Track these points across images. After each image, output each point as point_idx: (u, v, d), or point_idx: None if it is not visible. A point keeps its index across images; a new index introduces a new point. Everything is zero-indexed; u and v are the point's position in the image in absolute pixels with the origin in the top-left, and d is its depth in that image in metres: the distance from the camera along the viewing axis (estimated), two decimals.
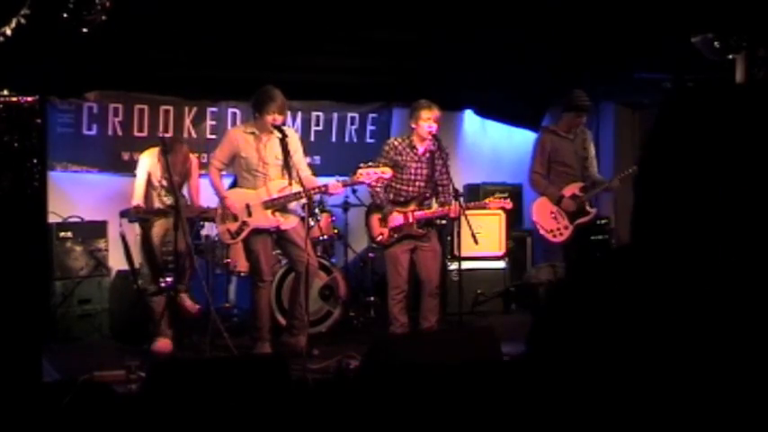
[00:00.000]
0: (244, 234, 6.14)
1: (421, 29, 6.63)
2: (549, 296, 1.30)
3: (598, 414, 1.15)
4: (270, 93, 6.04)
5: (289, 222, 6.22)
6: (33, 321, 4.76)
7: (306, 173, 6.24)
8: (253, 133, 6.14)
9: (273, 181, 6.15)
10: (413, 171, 6.49)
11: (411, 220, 6.46)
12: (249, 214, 6.12)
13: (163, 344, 6.20)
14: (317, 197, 7.21)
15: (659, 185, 1.19)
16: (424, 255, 6.54)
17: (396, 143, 6.55)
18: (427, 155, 6.48)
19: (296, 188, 6.05)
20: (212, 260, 6.98)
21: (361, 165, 6.24)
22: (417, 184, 6.51)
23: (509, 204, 6.72)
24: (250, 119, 6.37)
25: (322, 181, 6.57)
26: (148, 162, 6.51)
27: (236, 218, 6.12)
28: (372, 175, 6.15)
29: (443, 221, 6.65)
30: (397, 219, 6.47)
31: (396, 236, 6.48)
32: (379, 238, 6.53)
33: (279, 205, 6.13)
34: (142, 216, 5.80)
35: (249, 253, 6.24)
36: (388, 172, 6.19)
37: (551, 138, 7.23)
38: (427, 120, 6.36)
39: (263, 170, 6.13)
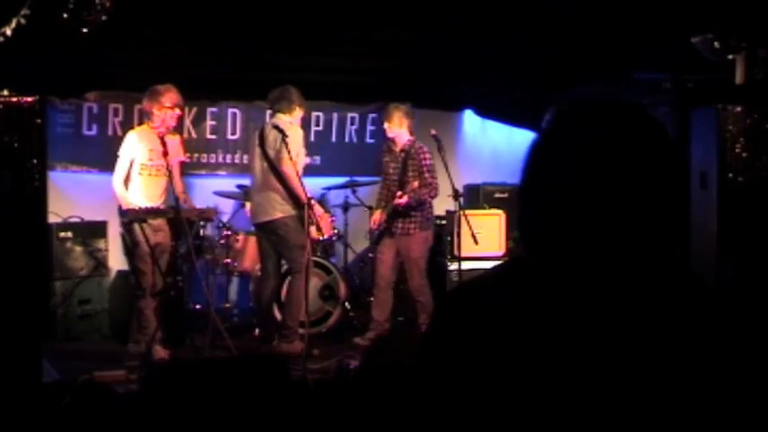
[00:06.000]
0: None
1: (420, 29, 6.63)
2: (437, 307, 1.32)
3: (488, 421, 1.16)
4: (295, 89, 6.18)
5: None
6: (33, 321, 4.76)
7: None
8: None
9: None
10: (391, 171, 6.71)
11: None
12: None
13: (160, 353, 5.89)
14: (317, 197, 7.25)
15: (541, 199, 1.24)
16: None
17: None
18: (402, 154, 6.59)
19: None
20: (212, 260, 6.98)
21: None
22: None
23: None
24: (278, 117, 6.24)
25: (322, 181, 6.52)
26: (131, 144, 5.99)
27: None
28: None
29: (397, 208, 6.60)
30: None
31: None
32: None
33: None
34: (141, 216, 5.75)
35: (300, 248, 6.10)
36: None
37: None
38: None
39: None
